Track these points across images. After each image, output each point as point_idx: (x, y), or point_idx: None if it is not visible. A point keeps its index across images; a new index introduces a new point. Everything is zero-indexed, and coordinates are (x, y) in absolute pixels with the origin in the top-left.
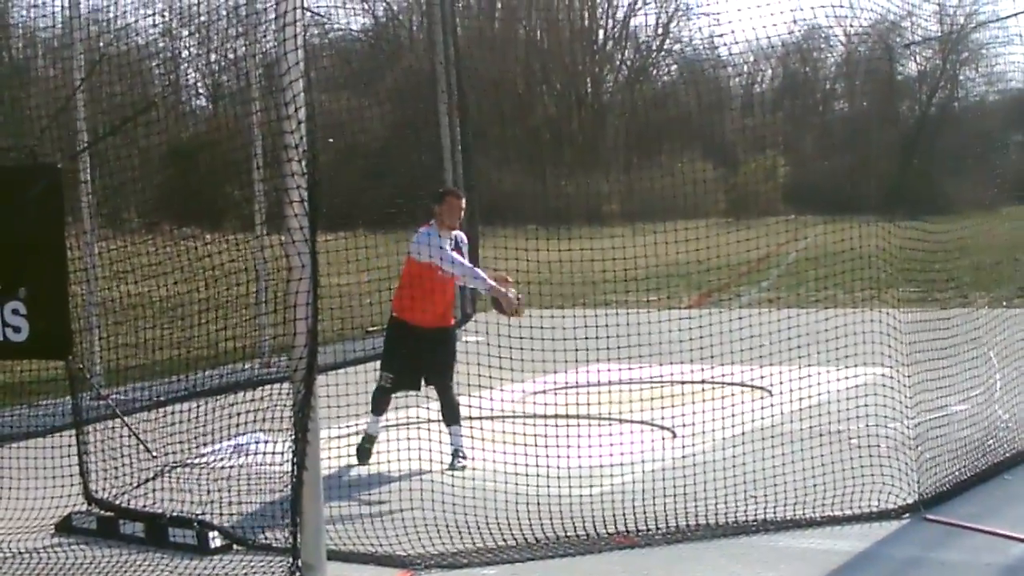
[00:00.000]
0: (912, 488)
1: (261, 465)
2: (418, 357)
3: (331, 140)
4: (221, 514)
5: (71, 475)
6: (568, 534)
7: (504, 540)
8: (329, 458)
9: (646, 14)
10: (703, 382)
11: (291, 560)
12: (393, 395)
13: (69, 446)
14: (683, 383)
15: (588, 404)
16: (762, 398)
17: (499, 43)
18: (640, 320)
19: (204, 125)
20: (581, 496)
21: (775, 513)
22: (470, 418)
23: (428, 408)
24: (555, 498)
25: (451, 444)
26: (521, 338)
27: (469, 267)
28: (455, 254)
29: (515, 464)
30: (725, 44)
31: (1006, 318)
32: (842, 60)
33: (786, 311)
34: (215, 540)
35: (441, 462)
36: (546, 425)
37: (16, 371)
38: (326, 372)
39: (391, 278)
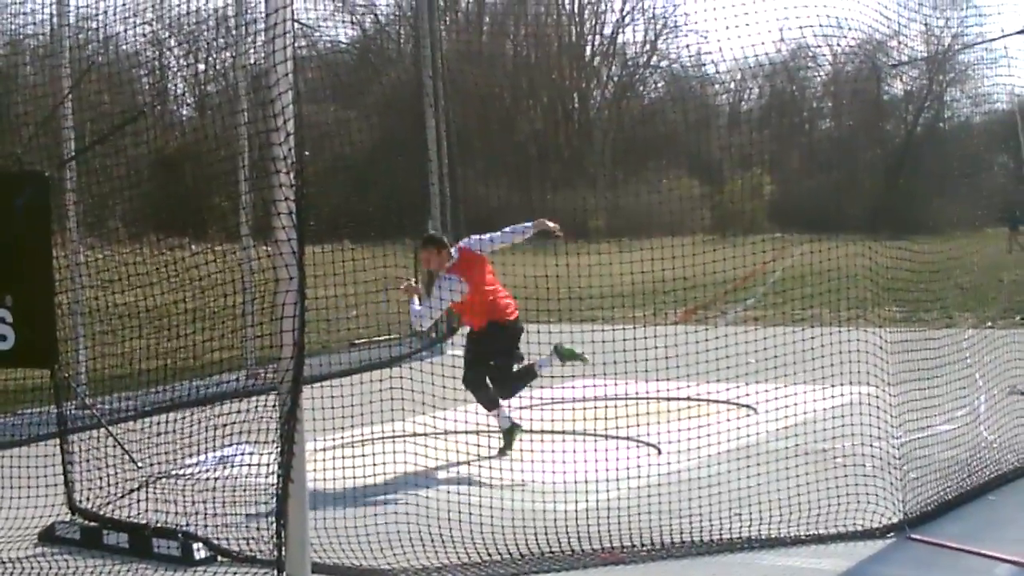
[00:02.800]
0: (897, 507)
1: (246, 477)
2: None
3: (307, 153)
4: (206, 525)
5: (55, 484)
6: (553, 549)
7: (489, 555)
8: (315, 471)
9: (634, 30)
10: (688, 399)
11: (276, 572)
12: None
13: (53, 455)
14: (668, 400)
15: (573, 420)
16: (747, 416)
17: (487, 57)
18: (625, 336)
19: (191, 135)
20: (566, 511)
21: (760, 531)
22: (455, 432)
23: (414, 422)
24: (540, 513)
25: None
26: None
27: (424, 309)
28: (421, 308)
29: (500, 479)
30: (712, 61)
31: (992, 339)
32: (829, 79)
33: (771, 329)
34: (199, 551)
35: (427, 475)
36: (531, 440)
37: (0, 379)
38: (312, 384)
39: (377, 291)
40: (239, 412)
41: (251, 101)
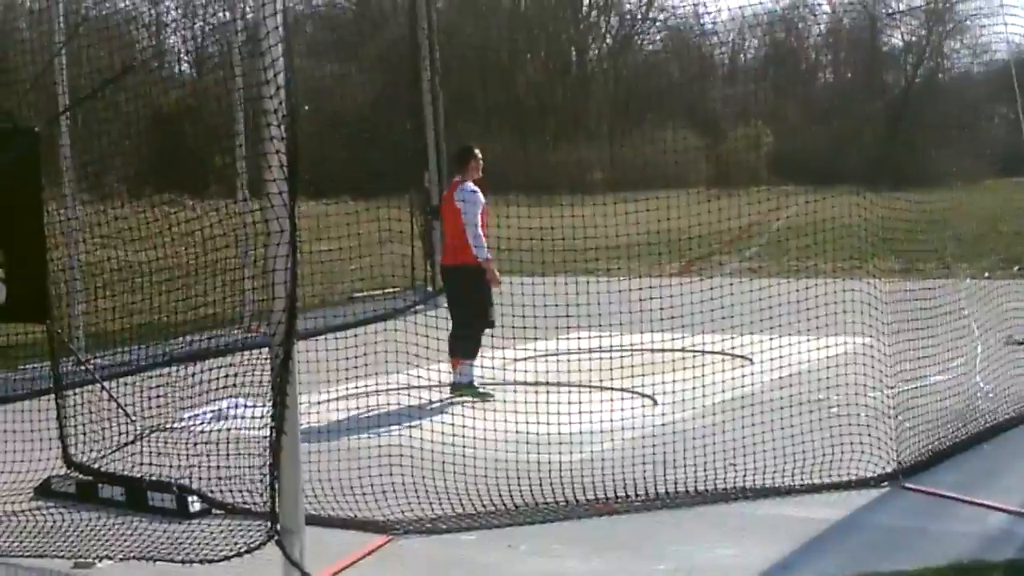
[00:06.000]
0: (891, 457)
1: (241, 430)
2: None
3: (307, 107)
4: (201, 478)
5: (51, 439)
6: (548, 500)
7: (484, 506)
8: (309, 424)
9: None
10: (684, 350)
11: (270, 525)
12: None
13: (49, 410)
14: (664, 351)
15: (569, 371)
16: (743, 367)
17: (483, 11)
18: (622, 288)
19: (187, 90)
20: (561, 462)
21: (754, 481)
22: (451, 384)
23: (408, 375)
24: (535, 464)
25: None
26: (503, 305)
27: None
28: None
29: (496, 431)
30: (710, 13)
31: (988, 289)
32: (827, 30)
33: (768, 280)
34: (194, 504)
35: (421, 428)
36: (527, 392)
37: None
38: (306, 338)
39: (371, 244)
40: (234, 366)
41: (246, 53)
